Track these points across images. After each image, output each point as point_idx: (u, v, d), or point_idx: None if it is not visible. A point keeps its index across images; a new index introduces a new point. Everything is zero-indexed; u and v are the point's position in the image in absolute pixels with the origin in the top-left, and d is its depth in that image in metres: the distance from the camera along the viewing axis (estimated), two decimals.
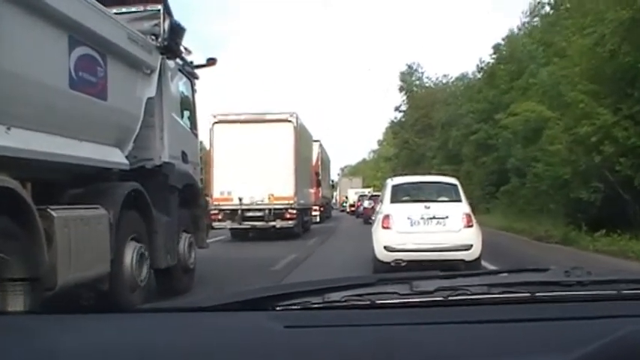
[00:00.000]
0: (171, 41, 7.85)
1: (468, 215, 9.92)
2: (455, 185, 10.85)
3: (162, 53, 7.78)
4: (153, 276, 7.82)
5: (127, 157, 7.24)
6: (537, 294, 1.37)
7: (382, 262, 9.60)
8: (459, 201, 10.28)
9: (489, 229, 21.31)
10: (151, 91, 7.57)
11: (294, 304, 1.38)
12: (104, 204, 6.16)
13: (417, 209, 9.89)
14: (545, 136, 19.19)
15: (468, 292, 1.39)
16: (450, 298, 1.36)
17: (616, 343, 0.83)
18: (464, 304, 1.37)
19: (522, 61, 27.09)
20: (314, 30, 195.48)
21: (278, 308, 1.36)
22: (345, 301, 1.37)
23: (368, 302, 1.36)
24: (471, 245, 9.57)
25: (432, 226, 9.70)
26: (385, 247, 9.63)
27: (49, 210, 5.12)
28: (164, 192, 7.95)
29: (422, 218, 9.75)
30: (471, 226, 9.81)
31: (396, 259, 9.43)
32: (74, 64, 5.66)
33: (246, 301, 1.41)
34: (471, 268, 8.98)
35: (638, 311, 1.25)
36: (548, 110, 19.55)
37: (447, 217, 9.79)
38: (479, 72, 37.48)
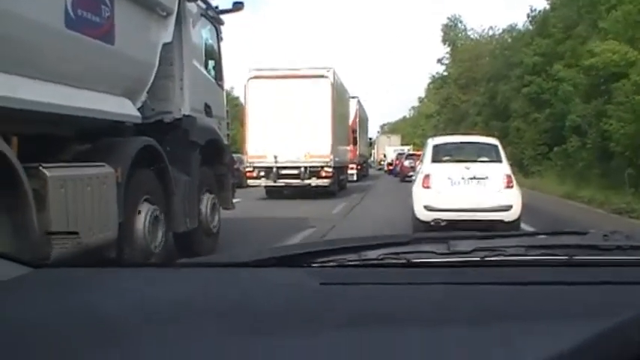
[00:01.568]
0: None
1: (509, 176, 9.90)
2: (495, 146, 10.73)
3: None
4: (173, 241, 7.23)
5: (140, 109, 6.54)
6: (575, 257, 1.36)
7: (421, 221, 9.67)
8: (500, 161, 10.21)
9: (548, 195, 19.82)
10: (168, 36, 6.80)
11: (330, 262, 1.38)
12: (111, 161, 5.47)
13: (457, 169, 9.91)
14: (628, 84, 16.38)
15: (505, 253, 1.38)
16: (487, 258, 1.35)
17: None
18: (500, 265, 1.36)
19: (582, 7, 23.97)
20: None
21: (314, 265, 1.37)
22: (381, 259, 1.38)
23: (404, 261, 1.37)
24: (511, 206, 9.53)
25: (472, 186, 9.72)
26: (425, 207, 9.66)
27: (40, 168, 4.43)
28: (184, 148, 7.28)
29: (462, 178, 9.77)
30: (511, 186, 9.79)
31: (436, 219, 9.49)
32: (72, 1, 4.90)
33: (282, 257, 1.43)
34: (510, 229, 8.98)
35: None
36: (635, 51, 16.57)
37: (487, 177, 9.79)
38: (530, 22, 34.00)
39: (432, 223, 9.49)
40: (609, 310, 0.87)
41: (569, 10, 25.78)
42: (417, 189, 10.08)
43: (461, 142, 11.86)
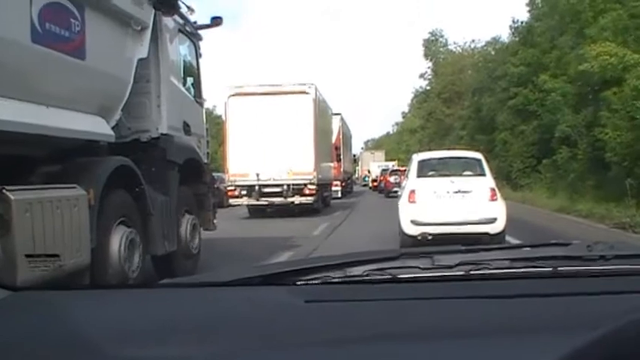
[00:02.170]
0: None
1: (493, 189, 10.03)
2: (479, 160, 10.89)
3: (155, 7, 6.74)
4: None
5: (115, 127, 6.28)
6: (560, 268, 1.36)
7: (409, 235, 9.75)
8: (484, 175, 10.37)
9: (541, 209, 18.85)
10: (143, 52, 6.55)
11: (315, 279, 1.37)
12: (83, 183, 5.19)
13: (442, 183, 10.04)
14: (627, 88, 15.55)
15: (490, 267, 1.38)
16: (472, 272, 1.35)
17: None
18: (485, 279, 1.36)
19: (565, 17, 23.33)
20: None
21: (299, 283, 1.36)
22: (366, 275, 1.37)
23: (389, 276, 1.36)
24: (496, 218, 9.66)
25: (457, 200, 9.81)
26: (412, 221, 9.76)
27: (4, 191, 4.16)
28: (161, 168, 7.02)
29: (447, 192, 9.86)
30: (496, 199, 9.93)
31: (423, 233, 9.54)
32: (38, 14, 4.63)
33: (266, 275, 1.41)
34: (495, 241, 9.07)
35: None
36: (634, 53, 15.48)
37: (471, 191, 9.92)
38: (513, 34, 33.32)
39: (419, 237, 9.53)
40: (594, 321, 0.85)
41: (552, 19, 25.18)
42: (403, 204, 10.16)
43: (445, 157, 12.03)
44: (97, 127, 5.79)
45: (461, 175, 10.46)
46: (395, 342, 0.98)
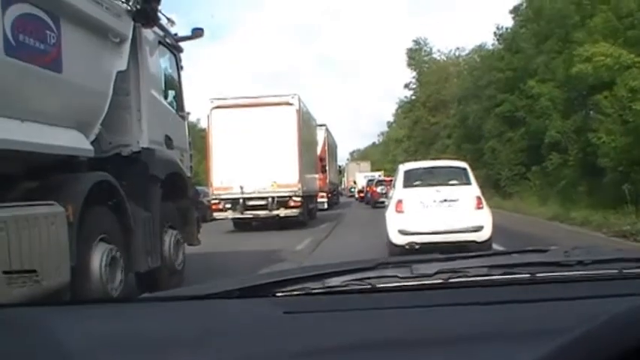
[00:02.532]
0: (146, 5, 6.68)
1: (479, 197, 10.15)
2: (464, 169, 11.00)
3: (135, 19, 6.61)
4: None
5: (95, 142, 6.13)
6: (538, 274, 1.37)
7: (396, 245, 9.80)
8: (469, 184, 10.48)
9: (534, 218, 18.23)
10: (122, 64, 6.41)
11: (295, 290, 1.37)
12: (61, 199, 5.03)
13: (428, 193, 10.10)
14: (623, 89, 14.96)
15: (468, 274, 1.38)
16: (450, 280, 1.35)
17: (616, 321, 0.69)
18: (464, 286, 1.35)
19: (550, 22, 23.06)
20: (315, 9, 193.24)
21: (278, 294, 1.36)
22: (345, 285, 1.37)
23: (368, 286, 1.36)
24: (482, 226, 9.75)
25: (444, 209, 9.89)
26: (399, 231, 9.83)
27: None
28: (143, 183, 6.88)
29: (434, 201, 9.95)
30: (482, 207, 10.04)
31: (410, 242, 9.63)
32: (11, 25, 4.49)
33: (246, 288, 1.41)
34: (482, 248, 9.01)
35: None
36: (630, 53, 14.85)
37: (457, 199, 10.01)
38: (497, 40, 32.88)
39: (407, 247, 9.61)
40: (573, 325, 0.84)
41: (538, 25, 24.90)
42: (390, 214, 10.22)
43: (431, 167, 12.08)
44: (75, 141, 5.63)
45: (447, 184, 10.50)
46: (375, 351, 0.98)
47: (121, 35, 6.34)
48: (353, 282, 1.38)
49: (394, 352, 0.98)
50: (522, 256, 1.62)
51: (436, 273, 1.38)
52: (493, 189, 27.86)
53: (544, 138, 22.48)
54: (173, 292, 1.82)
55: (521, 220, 17.85)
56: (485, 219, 9.87)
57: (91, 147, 5.87)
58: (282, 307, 1.25)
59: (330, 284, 1.39)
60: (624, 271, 1.39)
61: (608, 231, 12.98)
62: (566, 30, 20.42)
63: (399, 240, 9.79)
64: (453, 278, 1.37)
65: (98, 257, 5.54)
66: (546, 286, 1.36)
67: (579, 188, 19.13)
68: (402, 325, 1.13)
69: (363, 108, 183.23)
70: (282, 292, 1.37)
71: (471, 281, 1.37)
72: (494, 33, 32.58)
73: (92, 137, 6.00)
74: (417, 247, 9.48)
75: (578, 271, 1.38)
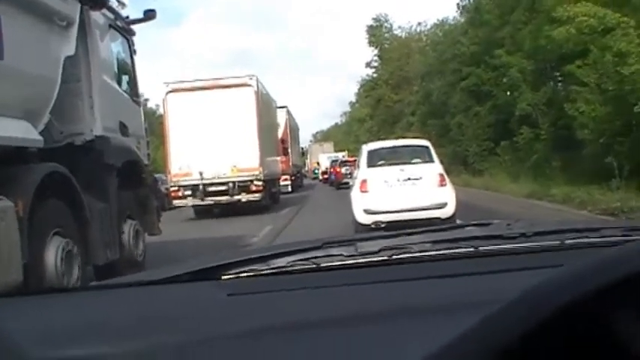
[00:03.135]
0: None
1: (441, 175, 10.35)
2: (427, 147, 11.21)
3: (81, 2, 6.29)
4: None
5: (45, 132, 5.84)
6: (481, 248, 1.39)
7: (362, 224, 9.93)
8: (432, 162, 10.67)
9: (509, 196, 17.15)
10: (70, 49, 6.09)
11: (242, 272, 1.38)
12: (10, 194, 4.75)
13: (392, 172, 10.28)
14: (609, 54, 13.84)
15: (412, 250, 1.40)
16: (394, 257, 1.38)
17: (531, 295, 0.66)
18: (408, 262, 1.38)
19: None
20: None
21: (224, 277, 1.37)
22: (290, 266, 1.39)
23: (313, 266, 1.38)
24: (446, 203, 9.97)
25: (408, 187, 10.08)
26: (365, 210, 9.99)
27: None
28: (98, 172, 6.61)
29: (397, 180, 10.13)
30: (445, 185, 10.24)
31: (376, 221, 9.79)
32: None
33: (194, 272, 1.41)
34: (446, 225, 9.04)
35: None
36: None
37: (420, 177, 10.19)
38: (460, 13, 31.83)
39: (373, 226, 9.73)
40: (511, 296, 0.81)
41: None
42: (355, 194, 10.37)
43: (394, 146, 12.24)
44: (22, 132, 5.33)
45: (410, 162, 10.63)
46: (320, 329, 0.99)
47: (67, 18, 6.01)
48: (298, 262, 1.40)
49: (339, 329, 0.98)
50: (466, 231, 1.65)
51: (380, 250, 1.39)
52: (461, 165, 27.47)
53: (513, 111, 21.97)
54: (122, 279, 1.81)
55: (494, 198, 17.28)
56: (448, 196, 10.08)
57: (40, 137, 5.58)
58: (227, 289, 1.26)
59: (275, 265, 1.40)
60: (566, 242, 1.41)
61: (594, 208, 12.03)
62: None
63: (364, 219, 9.94)
64: (397, 255, 1.38)
65: (53, 253, 5.28)
66: (489, 259, 1.37)
67: (553, 163, 18.47)
68: (347, 302, 1.14)
69: (324, 89, 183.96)
70: (228, 274, 1.37)
71: (415, 257, 1.39)
72: (457, 5, 31.75)
73: (41, 127, 5.70)
74: (382, 225, 9.62)
75: (521, 243, 1.40)
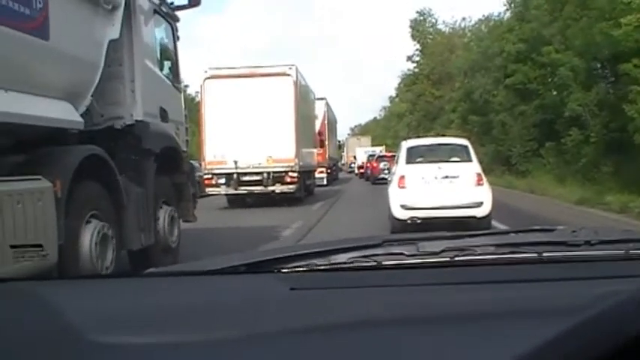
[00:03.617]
0: None
1: (479, 174, 10.47)
2: (466, 146, 11.30)
3: None
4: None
5: (87, 114, 5.86)
6: (544, 254, 1.36)
7: (398, 219, 10.13)
8: (470, 161, 10.79)
9: (557, 201, 15.93)
10: (114, 33, 6.10)
11: (300, 266, 1.37)
12: (48, 174, 4.76)
13: (430, 169, 10.40)
14: None
15: (475, 253, 1.38)
16: (457, 258, 1.35)
17: (624, 303, 0.67)
18: (470, 265, 1.36)
19: None
20: None
21: (284, 270, 1.35)
22: (351, 262, 1.37)
23: (374, 263, 1.36)
24: (482, 202, 10.06)
25: (445, 185, 10.20)
26: (402, 206, 10.14)
27: None
28: (137, 157, 6.60)
29: (435, 178, 10.25)
30: (482, 184, 10.35)
31: (412, 217, 9.97)
32: None
33: (251, 263, 1.41)
34: (481, 224, 9.69)
35: None
36: None
37: (458, 176, 10.32)
38: (508, 9, 30.07)
39: (409, 221, 9.93)
40: (579, 306, 0.84)
41: None
42: (393, 189, 10.55)
43: (433, 144, 12.47)
44: (64, 113, 5.35)
45: (448, 161, 10.78)
46: (381, 329, 0.98)
47: (113, 2, 6.02)
48: (359, 259, 1.38)
49: (400, 330, 0.97)
50: (529, 235, 1.62)
51: (442, 251, 1.38)
52: (503, 166, 26.62)
53: (561, 112, 20.69)
54: (178, 267, 1.82)
55: (541, 203, 16.18)
56: (485, 195, 10.17)
57: (81, 119, 5.59)
58: (289, 282, 1.24)
59: (335, 261, 1.39)
60: (631, 252, 1.37)
61: None
62: None
63: (401, 214, 10.09)
64: (460, 256, 1.36)
65: (88, 235, 5.28)
66: (553, 265, 1.36)
67: (603, 168, 17.32)
68: (408, 302, 1.13)
69: (365, 82, 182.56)
70: (288, 268, 1.36)
71: (478, 259, 1.37)
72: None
73: (83, 109, 5.72)
74: (418, 221, 9.83)
75: (585, 251, 1.37)
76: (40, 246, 4.22)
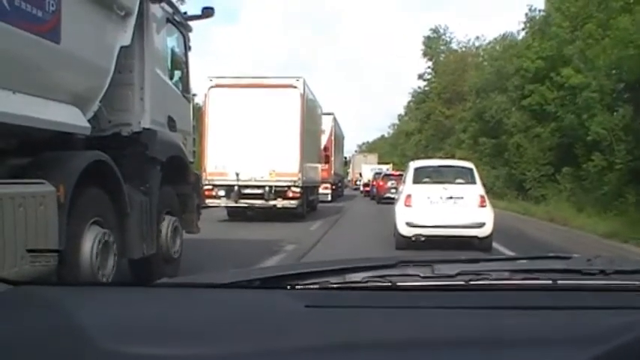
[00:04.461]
0: None
1: (482, 196, 11.00)
2: (471, 169, 11.88)
3: None
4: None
5: (94, 119, 5.81)
6: (559, 281, 1.35)
7: (403, 236, 10.70)
8: (474, 183, 11.35)
9: (582, 233, 14.55)
10: (126, 39, 6.06)
11: (314, 284, 1.36)
12: (52, 178, 4.69)
13: (436, 190, 10.97)
14: None
15: (490, 277, 1.38)
16: (472, 282, 1.34)
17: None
18: (485, 289, 1.35)
19: (589, 3, 20.49)
20: None
21: (298, 287, 1.35)
22: (365, 282, 1.37)
23: (389, 284, 1.35)
24: (484, 223, 10.59)
25: (449, 205, 10.75)
26: (407, 223, 10.67)
27: None
28: (142, 165, 6.54)
29: (440, 198, 10.80)
30: (484, 206, 10.87)
31: (417, 234, 10.53)
32: None
33: (265, 278, 1.42)
34: (483, 244, 10.43)
35: None
36: None
37: (462, 197, 10.87)
38: (527, 22, 28.63)
39: (413, 239, 10.51)
40: (593, 336, 0.83)
41: (574, 6, 21.88)
42: (399, 207, 11.11)
43: (439, 166, 13.17)
44: (71, 118, 5.29)
45: (453, 182, 11.38)
46: (394, 350, 0.98)
47: (126, 8, 5.99)
48: (373, 279, 1.38)
49: (414, 352, 0.98)
50: (544, 262, 1.63)
51: (458, 274, 1.37)
52: (516, 190, 25.79)
53: (580, 135, 19.42)
54: (190, 278, 1.82)
55: (565, 236, 14.52)
56: (487, 216, 10.72)
57: (88, 124, 5.53)
58: (303, 300, 1.24)
59: (350, 280, 1.39)
60: None
61: None
62: (607, 15, 17.94)
63: (406, 231, 10.64)
64: (475, 280, 1.36)
65: (89, 242, 5.20)
66: (567, 293, 1.35)
67: (629, 197, 15.78)
68: (422, 325, 1.13)
69: (375, 100, 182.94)
70: (302, 285, 1.36)
71: (493, 284, 1.37)
72: (525, 14, 29.16)
73: (90, 114, 5.67)
74: (422, 239, 10.40)
75: (600, 280, 1.37)
76: (57, 251, 4.19)
